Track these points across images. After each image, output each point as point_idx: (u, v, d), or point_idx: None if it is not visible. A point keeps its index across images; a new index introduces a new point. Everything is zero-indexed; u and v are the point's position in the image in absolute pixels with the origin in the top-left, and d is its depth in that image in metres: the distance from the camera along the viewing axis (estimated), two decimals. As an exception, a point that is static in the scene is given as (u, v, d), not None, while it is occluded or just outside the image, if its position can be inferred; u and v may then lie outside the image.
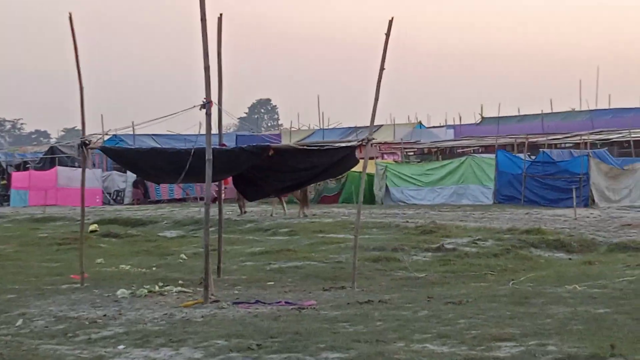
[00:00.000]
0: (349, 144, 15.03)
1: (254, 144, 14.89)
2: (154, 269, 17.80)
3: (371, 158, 38.59)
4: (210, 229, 26.69)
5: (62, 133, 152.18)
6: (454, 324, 10.87)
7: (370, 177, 39.52)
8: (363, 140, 14.42)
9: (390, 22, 14.00)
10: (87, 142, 14.96)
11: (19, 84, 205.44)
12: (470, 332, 10.22)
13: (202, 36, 12.75)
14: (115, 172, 49.52)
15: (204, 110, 12.76)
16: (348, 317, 11.57)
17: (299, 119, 65.18)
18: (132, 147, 15.69)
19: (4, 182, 54.35)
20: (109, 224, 30.41)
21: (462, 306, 12.18)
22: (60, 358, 9.61)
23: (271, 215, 31.13)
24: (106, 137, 52.16)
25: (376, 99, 14.16)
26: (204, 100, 12.80)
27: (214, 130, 13.88)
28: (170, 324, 11.52)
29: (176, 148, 16.06)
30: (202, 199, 45.18)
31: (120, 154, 14.90)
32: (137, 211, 37.99)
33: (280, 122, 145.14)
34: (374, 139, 14.67)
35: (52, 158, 53.33)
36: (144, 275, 16.72)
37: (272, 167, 14.91)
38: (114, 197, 48.99)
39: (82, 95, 14.88)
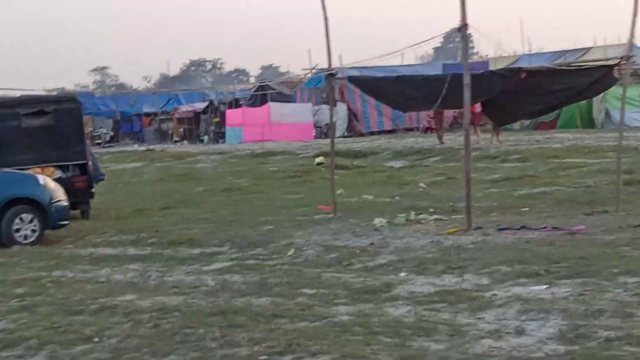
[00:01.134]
0: (606, 63, 14.35)
1: (506, 67, 14.40)
2: (397, 198, 17.76)
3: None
4: (435, 158, 26.53)
5: (260, 71, 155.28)
6: None
7: (589, 100, 38.09)
8: (622, 58, 13.73)
9: None
10: (334, 73, 14.89)
11: (219, 23, 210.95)
12: None
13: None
14: (324, 106, 49.81)
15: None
16: (627, 241, 11.13)
17: (499, 45, 63.14)
18: (380, 76, 15.68)
19: (217, 119, 55.83)
20: (329, 156, 30.61)
21: None
22: (347, 285, 9.64)
23: (477, 143, 30.35)
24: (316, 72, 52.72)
25: (635, 13, 13.40)
26: (460, 23, 12.45)
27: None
28: (442, 251, 11.40)
29: (424, 75, 15.80)
30: (417, 129, 45.11)
31: (368, 84, 14.80)
32: (352, 143, 38.13)
33: (475, 50, 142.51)
34: (633, 55, 13.91)
35: (262, 95, 54.27)
36: (390, 204, 16.69)
37: (524, 90, 14.44)
38: (325, 131, 49.40)
39: (327, 26, 14.79)
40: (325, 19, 14.66)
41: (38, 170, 16.42)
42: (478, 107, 30.78)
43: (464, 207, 15.28)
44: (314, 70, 52.54)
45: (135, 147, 53.85)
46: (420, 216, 14.52)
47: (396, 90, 14.35)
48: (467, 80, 12.46)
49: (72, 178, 16.96)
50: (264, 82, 59.12)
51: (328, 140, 43.13)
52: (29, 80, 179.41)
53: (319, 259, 11.51)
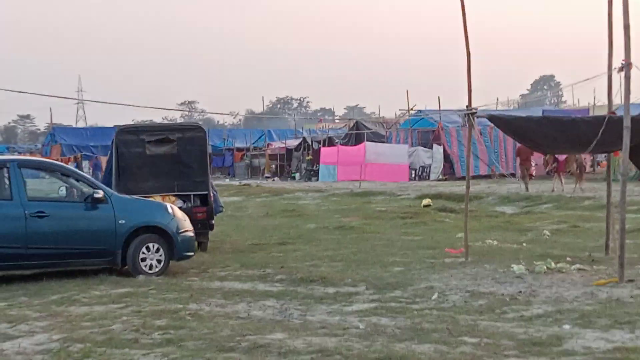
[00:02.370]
0: None
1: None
2: (524, 245, 17.04)
3: None
4: (547, 205, 25.63)
5: (345, 111, 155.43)
6: None
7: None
8: None
9: None
10: (474, 110, 14.33)
11: (306, 63, 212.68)
12: None
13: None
14: (420, 148, 49.29)
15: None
16: None
17: (595, 95, 61.53)
18: (522, 115, 15.03)
19: (310, 157, 55.65)
20: (434, 199, 30.10)
21: None
22: (510, 335, 9.06)
23: (552, 190, 30.57)
24: (412, 112, 52.32)
25: None
26: (623, 62, 11.83)
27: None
28: (601, 303, 10.72)
29: (570, 117, 15.11)
30: (512, 175, 44.08)
31: (509, 123, 14.17)
32: (452, 187, 37.40)
33: (563, 99, 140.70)
34: None
35: (357, 134, 53.92)
36: (520, 251, 16.00)
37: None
38: (419, 173, 48.76)
39: (469, 62, 14.29)
40: (468, 55, 14.17)
41: (159, 198, 16.16)
42: (561, 156, 31.37)
43: (605, 257, 14.70)
44: (411, 111, 52.18)
45: (227, 181, 53.95)
46: (559, 265, 13.80)
47: (540, 131, 13.67)
48: (627, 122, 11.81)
49: (193, 208, 16.62)
50: (359, 120, 58.59)
51: (425, 183, 42.84)
52: (117, 112, 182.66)
53: (467, 305, 10.91)
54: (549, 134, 13.81)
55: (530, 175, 33.38)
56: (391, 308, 10.84)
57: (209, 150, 63.33)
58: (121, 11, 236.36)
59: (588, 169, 45.25)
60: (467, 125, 14.48)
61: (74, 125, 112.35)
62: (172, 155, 16.91)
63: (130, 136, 16.95)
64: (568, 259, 14.50)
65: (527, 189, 31.71)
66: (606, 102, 44.88)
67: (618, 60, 13.64)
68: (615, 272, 13.00)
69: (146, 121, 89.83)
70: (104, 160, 63.27)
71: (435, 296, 11.50)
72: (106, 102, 49.77)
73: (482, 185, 38.17)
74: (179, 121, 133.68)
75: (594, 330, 9.25)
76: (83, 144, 70.33)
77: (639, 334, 9.02)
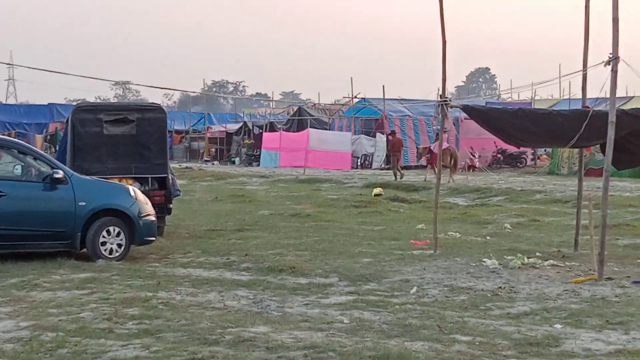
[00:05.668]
0: None
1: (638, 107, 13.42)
2: (488, 238, 16.80)
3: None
4: (499, 197, 25.45)
5: (281, 96, 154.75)
6: None
7: None
8: None
9: None
10: (447, 100, 13.99)
11: (240, 48, 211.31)
12: None
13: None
14: (363, 136, 49.01)
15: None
16: None
17: (533, 89, 61.54)
18: (498, 107, 14.47)
19: (251, 141, 55.03)
20: (382, 188, 29.78)
21: None
22: (503, 334, 8.76)
23: (424, 180, 32.91)
24: (355, 100, 52.03)
25: None
26: (610, 56, 11.59)
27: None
28: (586, 302, 10.50)
29: (547, 110, 14.85)
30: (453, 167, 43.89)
31: (483, 114, 13.82)
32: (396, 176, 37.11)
33: (498, 92, 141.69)
34: None
35: (299, 120, 53.42)
36: (486, 244, 15.75)
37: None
38: (362, 162, 48.49)
39: (445, 51, 13.94)
40: (444, 43, 13.83)
41: (116, 181, 15.50)
42: (436, 148, 32.37)
43: (574, 253, 14.53)
44: (355, 99, 51.87)
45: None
46: (531, 260, 13.58)
47: (515, 123, 13.37)
48: (612, 117, 11.59)
49: (151, 192, 15.98)
50: (302, 106, 58.02)
51: (369, 171, 42.56)
52: (48, 91, 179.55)
53: (449, 301, 10.59)
54: (525, 127, 13.51)
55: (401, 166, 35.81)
56: (371, 302, 10.46)
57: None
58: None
59: (530, 161, 45.64)
60: (441, 115, 14.09)
61: (3, 102, 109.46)
62: (131, 136, 16.22)
63: (87, 115, 16.22)
64: (538, 254, 14.28)
65: (395, 178, 34.32)
66: (544, 97, 45.49)
67: (592, 56, 13.52)
68: (588, 268, 12.88)
69: (79, 100, 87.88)
70: (38, 138, 61.89)
71: (414, 290, 11.16)
72: (48, 71, 47.46)
73: (426, 175, 37.98)
74: (112, 101, 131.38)
75: (587, 331, 8.99)
76: (16, 121, 68.64)
77: (634, 335, 8.78)
